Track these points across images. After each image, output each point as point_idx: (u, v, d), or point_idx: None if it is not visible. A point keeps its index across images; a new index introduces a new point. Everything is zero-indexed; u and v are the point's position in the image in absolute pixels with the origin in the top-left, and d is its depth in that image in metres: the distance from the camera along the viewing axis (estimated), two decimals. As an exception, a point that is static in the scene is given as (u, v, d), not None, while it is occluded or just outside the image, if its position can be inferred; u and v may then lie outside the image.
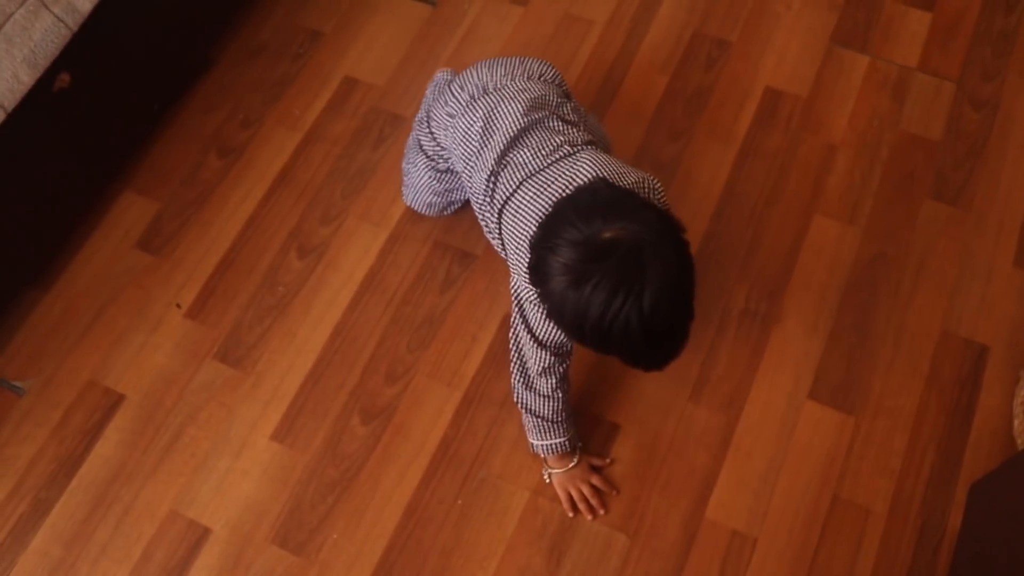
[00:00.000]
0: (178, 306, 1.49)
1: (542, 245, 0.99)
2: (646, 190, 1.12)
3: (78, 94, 1.40)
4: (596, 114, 1.61)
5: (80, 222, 1.56)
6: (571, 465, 1.31)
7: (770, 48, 1.70)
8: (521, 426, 1.35)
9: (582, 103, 1.62)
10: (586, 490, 1.32)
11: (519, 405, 1.25)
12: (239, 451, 1.38)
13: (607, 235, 0.94)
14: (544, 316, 1.12)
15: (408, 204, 1.52)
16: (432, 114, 1.38)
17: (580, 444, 1.34)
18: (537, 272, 1.00)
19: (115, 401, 1.43)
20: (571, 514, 1.32)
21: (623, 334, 0.94)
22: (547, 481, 1.34)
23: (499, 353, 1.42)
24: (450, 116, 1.32)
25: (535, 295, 1.04)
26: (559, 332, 1.14)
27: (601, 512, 1.32)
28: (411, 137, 1.50)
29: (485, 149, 1.23)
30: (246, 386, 1.42)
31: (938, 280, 1.47)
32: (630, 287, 0.93)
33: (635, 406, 1.38)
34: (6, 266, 1.44)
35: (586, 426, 1.36)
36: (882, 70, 1.66)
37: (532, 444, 1.30)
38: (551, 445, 1.28)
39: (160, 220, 1.57)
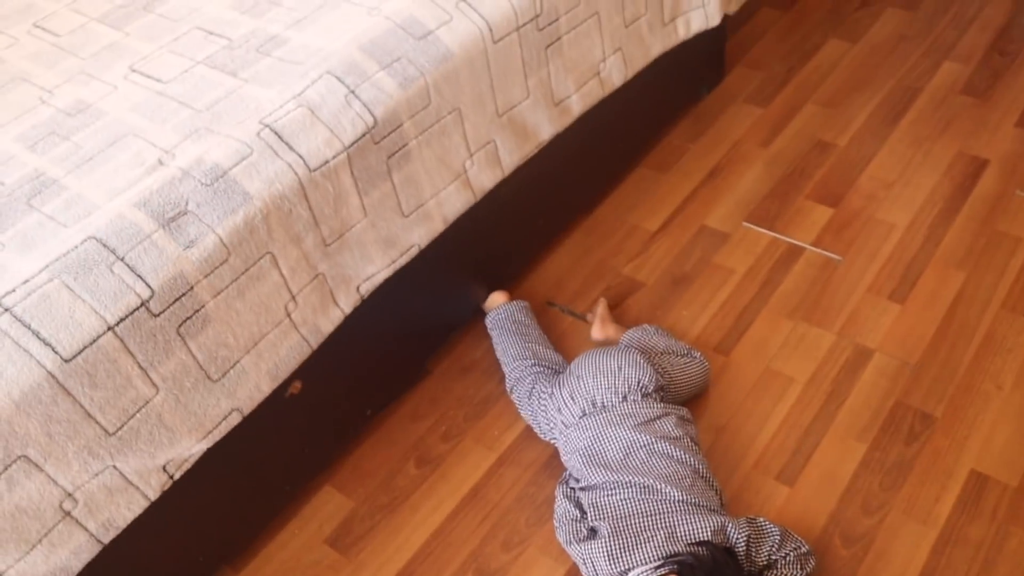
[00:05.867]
0: (354, 610, 1.54)
1: None
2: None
3: (305, 399, 1.54)
4: (786, 475, 1.61)
5: (281, 508, 1.66)
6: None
7: (977, 428, 1.65)
8: None
9: (773, 463, 1.63)
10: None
11: None
12: None
13: None
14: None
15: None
16: (539, 401, 1.67)
17: None
18: None
19: None
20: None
21: None
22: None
23: None
24: (565, 425, 1.59)
25: None
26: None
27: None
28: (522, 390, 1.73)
29: (589, 468, 1.50)
30: None
31: None
32: None
33: None
34: (212, 544, 1.54)
35: None
36: (1103, 467, 1.58)
37: None
38: None
39: (353, 519, 1.65)
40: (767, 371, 1.78)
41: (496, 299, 1.90)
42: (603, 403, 1.57)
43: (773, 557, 1.41)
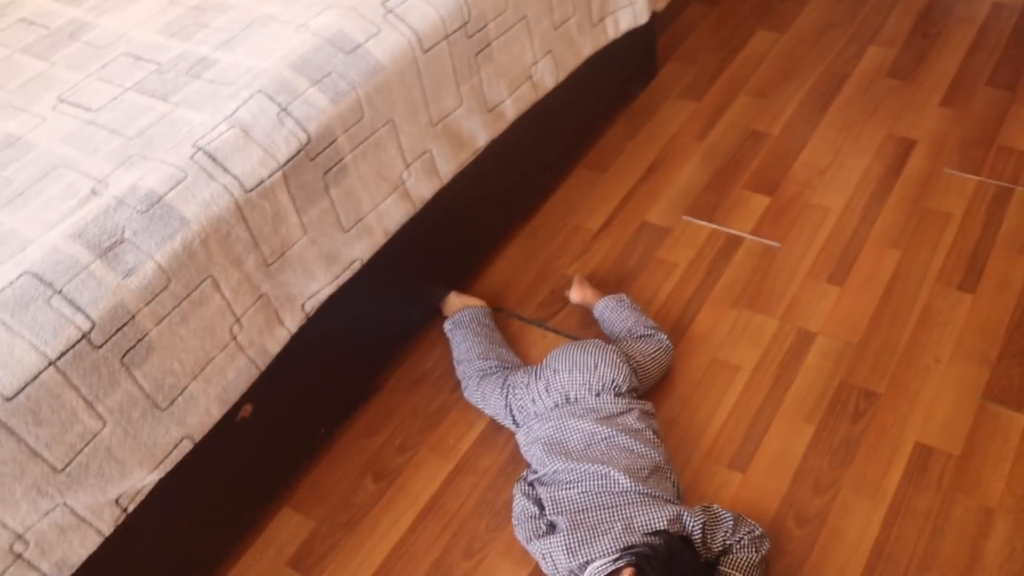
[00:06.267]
0: (319, 629, 1.53)
1: None
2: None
3: (256, 421, 1.53)
4: (738, 462, 1.64)
5: (241, 533, 1.65)
6: None
7: (919, 402, 1.69)
8: None
9: (724, 451, 1.65)
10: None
11: None
12: None
13: None
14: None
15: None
16: (513, 393, 1.67)
17: None
18: None
19: None
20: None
21: None
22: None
23: None
24: (536, 415, 1.62)
25: None
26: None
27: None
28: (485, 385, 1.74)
29: (549, 457, 1.53)
30: None
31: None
32: None
33: None
34: (177, 571, 1.53)
35: None
36: (1041, 432, 1.63)
37: None
38: None
39: (313, 540, 1.64)
40: (714, 361, 1.81)
41: (454, 301, 1.92)
42: (576, 398, 1.60)
43: (728, 542, 1.43)
